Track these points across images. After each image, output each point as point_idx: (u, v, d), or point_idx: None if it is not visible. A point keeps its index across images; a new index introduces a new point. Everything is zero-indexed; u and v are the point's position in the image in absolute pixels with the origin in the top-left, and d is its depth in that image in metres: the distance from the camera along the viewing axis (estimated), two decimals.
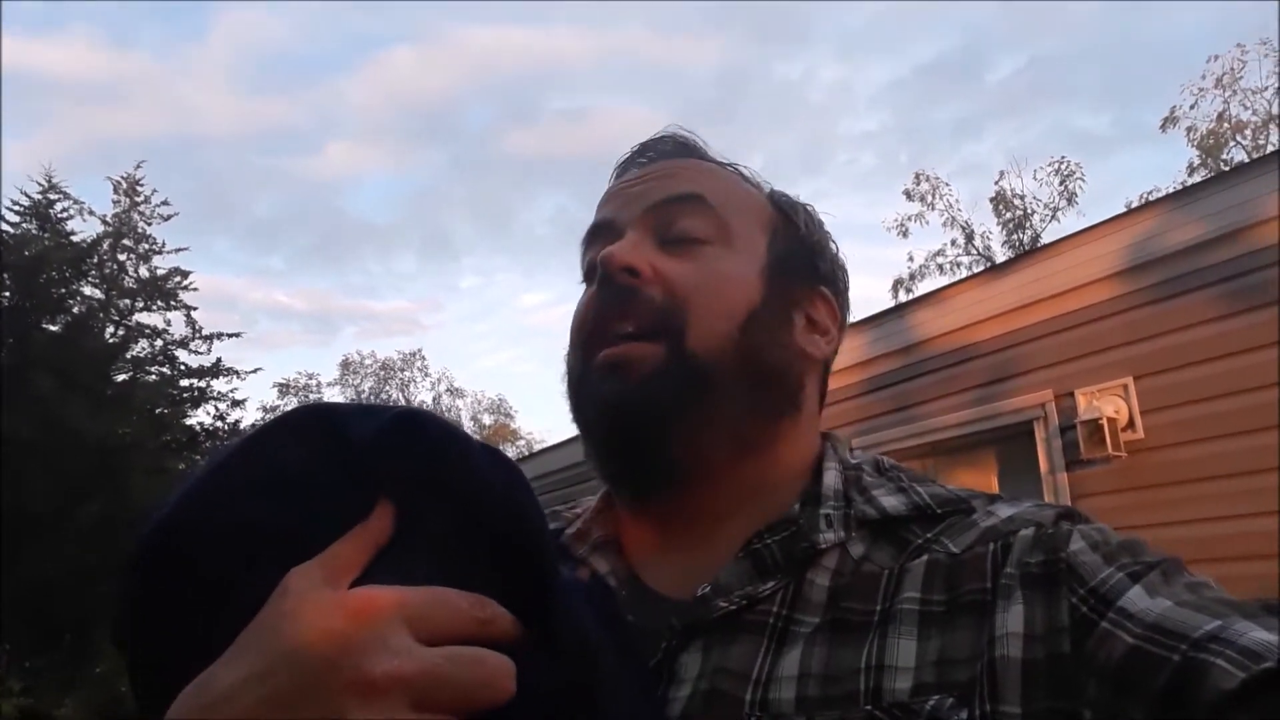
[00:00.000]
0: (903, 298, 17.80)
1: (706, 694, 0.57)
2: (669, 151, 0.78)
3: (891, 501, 0.65)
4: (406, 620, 0.41)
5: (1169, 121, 17.71)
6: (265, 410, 24.25)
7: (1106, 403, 4.17)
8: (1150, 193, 17.57)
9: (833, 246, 0.79)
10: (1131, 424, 4.13)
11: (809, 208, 0.79)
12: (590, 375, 0.67)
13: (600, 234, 0.73)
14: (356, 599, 0.41)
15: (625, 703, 0.52)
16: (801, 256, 0.75)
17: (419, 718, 0.39)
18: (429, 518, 0.48)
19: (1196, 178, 16.30)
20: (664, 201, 0.71)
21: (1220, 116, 17.06)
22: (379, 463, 0.48)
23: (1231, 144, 17.02)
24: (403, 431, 0.49)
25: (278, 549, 0.45)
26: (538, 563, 0.49)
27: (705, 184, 0.73)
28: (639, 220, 0.71)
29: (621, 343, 0.66)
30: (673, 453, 0.65)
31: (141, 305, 11.15)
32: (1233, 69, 16.72)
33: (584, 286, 0.74)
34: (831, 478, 0.69)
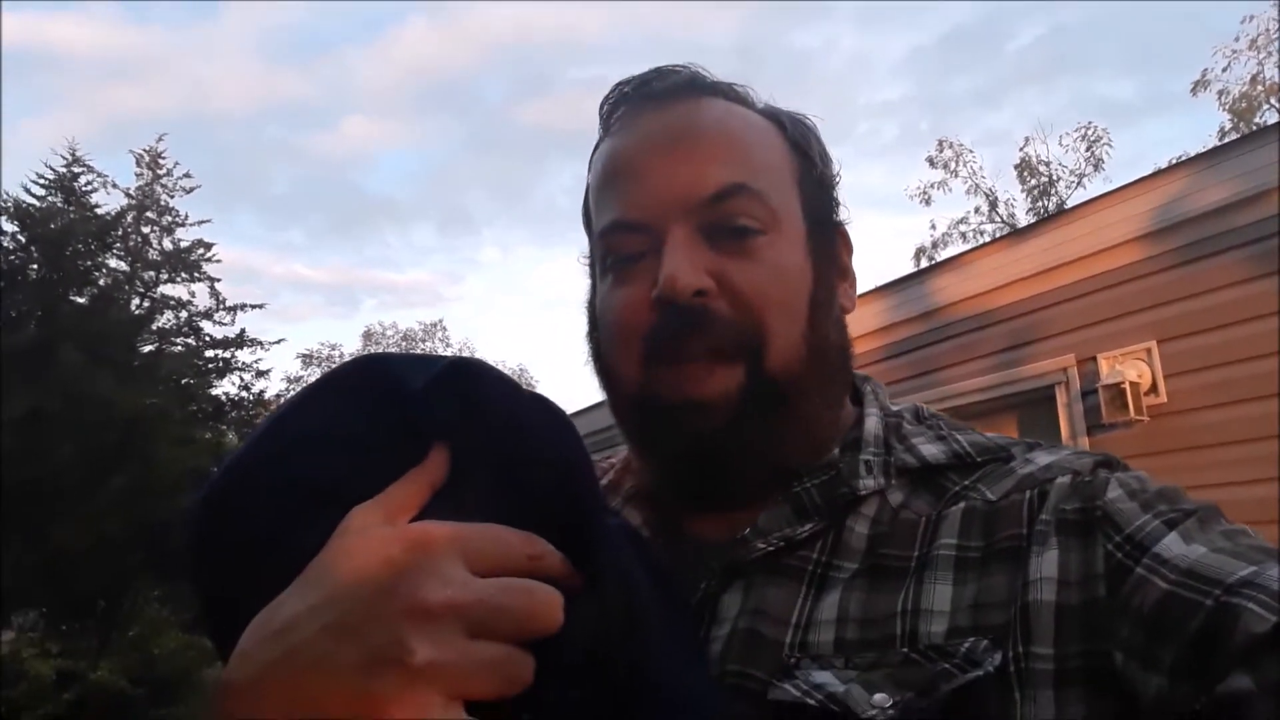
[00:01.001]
0: (925, 266, 17.64)
1: (746, 634, 0.58)
2: (674, 92, 0.70)
3: (931, 450, 0.66)
4: (461, 553, 0.42)
5: (1200, 85, 17.30)
6: (290, 380, 24.51)
7: (1130, 367, 4.14)
8: (1179, 158, 17.24)
9: (831, 159, 0.75)
10: (1155, 388, 4.10)
11: (810, 125, 0.74)
12: (666, 406, 0.64)
13: (630, 230, 0.67)
14: (413, 532, 0.43)
15: (666, 641, 0.54)
16: (824, 201, 0.73)
17: (472, 643, 0.41)
18: (480, 462, 0.49)
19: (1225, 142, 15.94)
20: (711, 201, 0.65)
21: (1254, 79, 16.63)
22: (431, 411, 0.49)
23: (1265, 107, 16.61)
24: (454, 380, 0.50)
25: (335, 496, 0.46)
26: (584, 506, 0.50)
27: (742, 160, 0.67)
28: (681, 220, 0.64)
29: (695, 364, 0.63)
30: (760, 471, 0.65)
31: (166, 277, 11.25)
32: (1268, 29, 16.28)
33: (612, 279, 0.69)
34: (873, 424, 0.69)
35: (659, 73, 0.72)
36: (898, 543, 0.60)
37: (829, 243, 0.72)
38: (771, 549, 0.61)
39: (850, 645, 0.56)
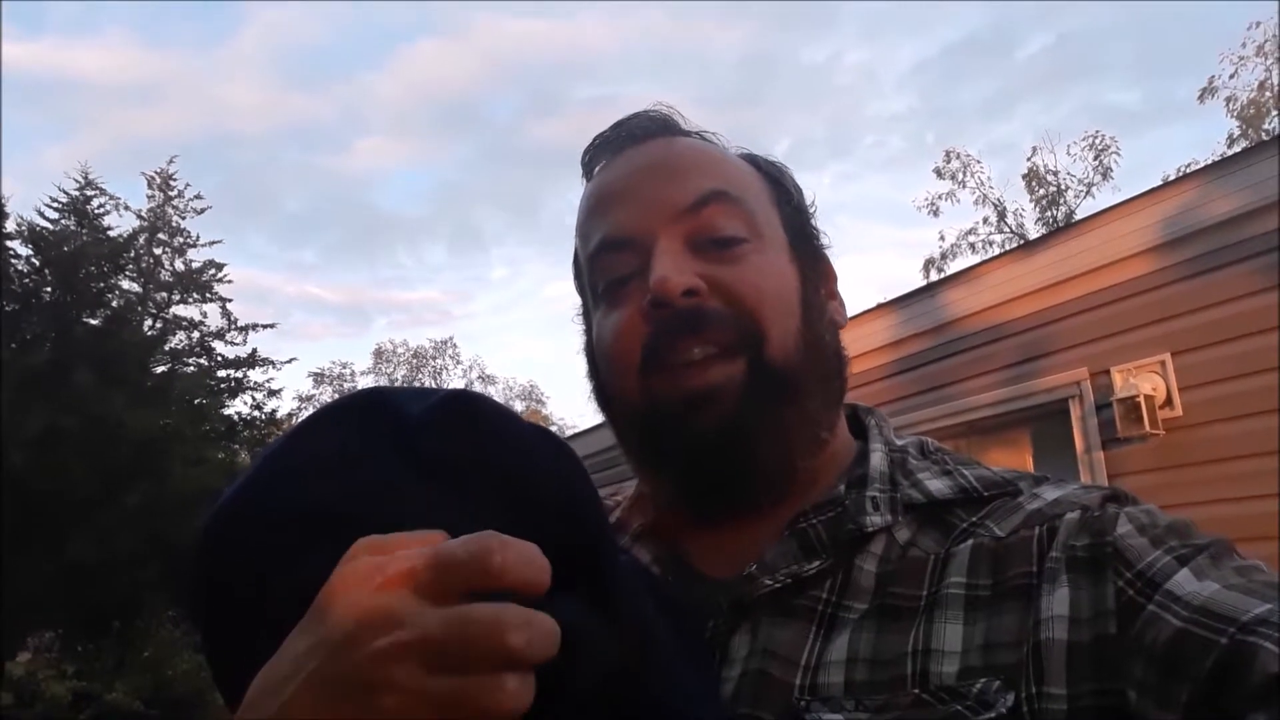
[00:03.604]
0: (934, 278, 17.60)
1: (756, 676, 0.58)
2: (649, 130, 0.74)
3: (937, 485, 0.65)
4: (415, 586, 0.40)
5: (1207, 92, 17.29)
6: (301, 399, 24.59)
7: (1144, 380, 4.10)
8: (1188, 165, 17.18)
9: (807, 196, 0.77)
10: (1169, 401, 4.06)
11: (781, 164, 0.77)
12: (669, 407, 0.64)
13: (618, 248, 0.68)
14: (367, 568, 0.41)
15: (682, 677, 0.53)
16: (802, 224, 0.75)
17: (439, 680, 0.38)
18: (481, 495, 0.48)
19: (1236, 149, 15.87)
20: (692, 207, 0.67)
21: (1262, 85, 16.60)
22: (430, 443, 0.49)
23: (1273, 113, 16.56)
24: (453, 412, 0.50)
25: (334, 529, 0.45)
26: (592, 538, 0.49)
27: (718, 174, 0.69)
28: (666, 230, 0.66)
29: (697, 367, 0.63)
30: (768, 472, 0.65)
31: (178, 298, 11.30)
32: (1275, 35, 16.23)
33: (604, 306, 0.70)
34: (878, 460, 0.68)
35: (635, 116, 0.75)
36: (906, 581, 0.60)
37: (813, 257, 0.74)
38: (779, 585, 0.61)
39: (860, 687, 0.55)
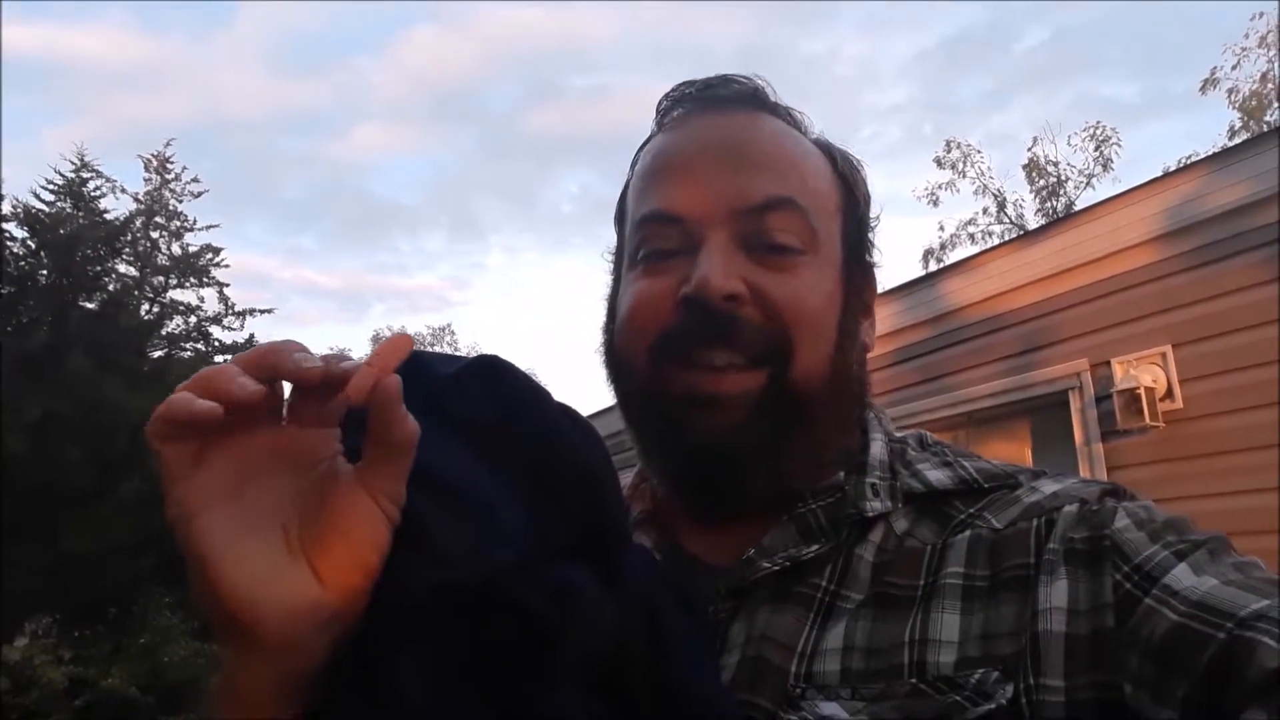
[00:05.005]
0: (933, 268, 17.58)
1: (754, 661, 0.58)
2: (736, 100, 0.71)
3: (937, 475, 0.65)
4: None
5: (1209, 83, 17.22)
6: None
7: (1144, 371, 4.10)
8: (1188, 157, 17.15)
9: (873, 202, 0.76)
10: (1170, 393, 4.06)
11: (858, 164, 0.74)
12: (675, 400, 0.63)
13: (669, 223, 0.66)
14: None
15: (689, 655, 0.54)
16: (860, 239, 0.73)
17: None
18: (501, 455, 0.50)
19: (1238, 141, 15.83)
20: (756, 208, 0.64)
21: (1264, 77, 16.55)
22: (454, 398, 0.51)
23: (1275, 105, 16.52)
24: (480, 373, 0.52)
25: None
26: (607, 517, 0.51)
27: (792, 177, 0.67)
28: (723, 224, 0.64)
29: (715, 373, 0.62)
30: (764, 483, 0.64)
31: (175, 282, 11.26)
32: (1277, 27, 16.17)
33: (639, 271, 0.68)
34: (878, 449, 0.68)
35: (723, 79, 0.72)
36: (903, 571, 0.60)
37: (860, 277, 0.72)
38: (776, 569, 0.61)
39: (856, 675, 0.55)
